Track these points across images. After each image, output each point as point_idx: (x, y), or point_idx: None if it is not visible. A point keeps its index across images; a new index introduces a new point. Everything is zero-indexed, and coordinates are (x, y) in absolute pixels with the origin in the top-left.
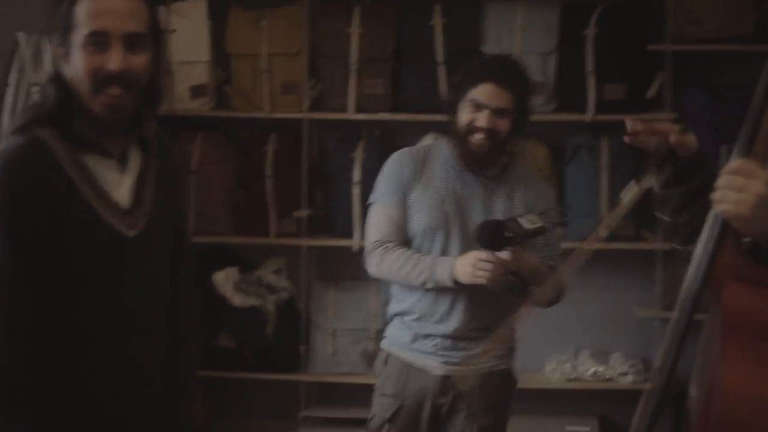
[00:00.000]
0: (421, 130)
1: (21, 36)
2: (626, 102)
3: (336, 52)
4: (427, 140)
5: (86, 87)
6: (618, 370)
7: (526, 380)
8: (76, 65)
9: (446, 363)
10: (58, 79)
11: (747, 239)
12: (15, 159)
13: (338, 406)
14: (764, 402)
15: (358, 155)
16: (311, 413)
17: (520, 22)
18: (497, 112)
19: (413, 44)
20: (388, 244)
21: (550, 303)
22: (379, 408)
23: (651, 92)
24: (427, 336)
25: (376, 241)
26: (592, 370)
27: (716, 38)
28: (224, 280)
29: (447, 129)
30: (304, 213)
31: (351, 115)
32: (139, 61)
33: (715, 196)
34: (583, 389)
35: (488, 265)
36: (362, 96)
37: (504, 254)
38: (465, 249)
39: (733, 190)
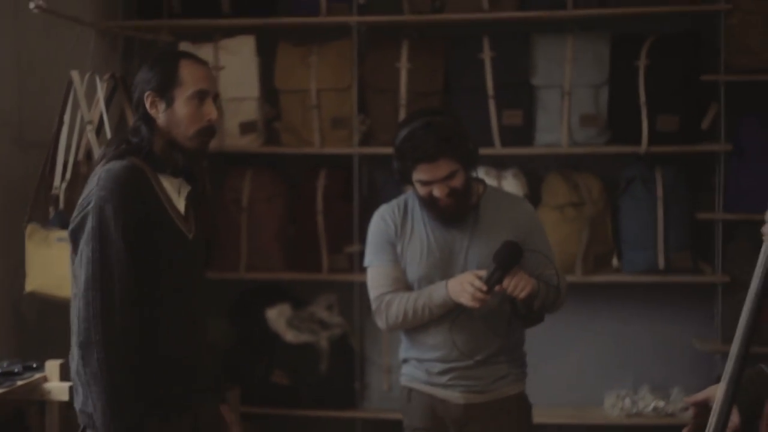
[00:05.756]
0: None
1: (74, 74)
2: (680, 133)
3: (385, 86)
4: (481, 174)
5: (190, 131)
6: (679, 405)
7: (586, 416)
8: (181, 114)
9: (467, 392)
10: (147, 121)
11: None
12: (125, 178)
13: None
14: None
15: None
16: None
17: (570, 55)
18: (446, 179)
19: (463, 77)
20: (386, 296)
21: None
22: None
23: (705, 123)
24: (445, 371)
25: (376, 298)
26: (653, 405)
27: None
28: (277, 316)
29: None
30: (356, 248)
31: None
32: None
33: (766, 229)
34: (645, 425)
35: (472, 289)
36: None
37: (506, 280)
38: None
39: None
